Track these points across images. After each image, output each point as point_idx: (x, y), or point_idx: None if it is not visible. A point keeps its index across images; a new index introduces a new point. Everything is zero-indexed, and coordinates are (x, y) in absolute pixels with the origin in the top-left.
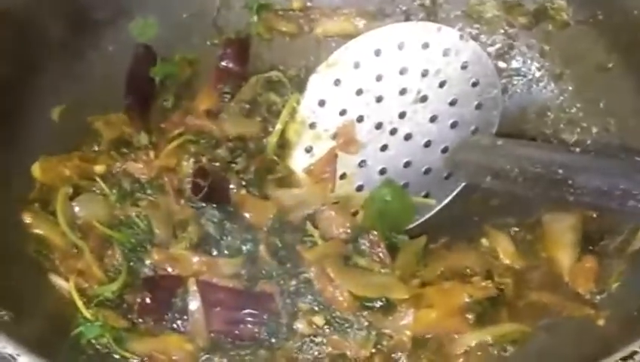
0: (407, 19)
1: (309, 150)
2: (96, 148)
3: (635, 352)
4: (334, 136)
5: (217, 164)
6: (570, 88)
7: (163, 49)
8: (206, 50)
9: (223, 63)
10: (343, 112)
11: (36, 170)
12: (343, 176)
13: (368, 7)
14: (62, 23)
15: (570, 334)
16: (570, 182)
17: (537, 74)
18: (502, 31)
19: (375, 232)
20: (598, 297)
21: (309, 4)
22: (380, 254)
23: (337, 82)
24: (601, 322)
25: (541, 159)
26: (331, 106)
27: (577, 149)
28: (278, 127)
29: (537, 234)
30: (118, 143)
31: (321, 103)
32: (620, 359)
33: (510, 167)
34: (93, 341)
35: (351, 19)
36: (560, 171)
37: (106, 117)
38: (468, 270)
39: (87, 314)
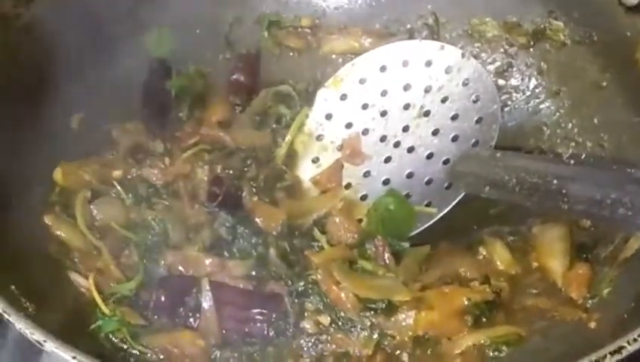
0: (411, 37)
1: (315, 161)
2: (114, 155)
3: (623, 347)
4: (340, 148)
5: (231, 172)
6: (566, 105)
7: (177, 62)
8: (218, 64)
9: (235, 77)
10: (348, 125)
11: (58, 174)
12: (348, 186)
13: (374, 26)
14: (82, 36)
15: (562, 336)
16: (564, 191)
17: (535, 91)
18: (502, 50)
19: (380, 238)
20: (590, 302)
21: (317, 21)
22: (386, 259)
23: (344, 97)
24: (592, 324)
25: (537, 170)
26: (338, 119)
27: (572, 161)
28: (288, 138)
29: (532, 243)
30: (134, 150)
31: (328, 117)
32: (609, 353)
33: (508, 177)
34: (111, 335)
35: (357, 37)
36: (555, 182)
37: (123, 125)
38: (467, 274)
39: (105, 309)
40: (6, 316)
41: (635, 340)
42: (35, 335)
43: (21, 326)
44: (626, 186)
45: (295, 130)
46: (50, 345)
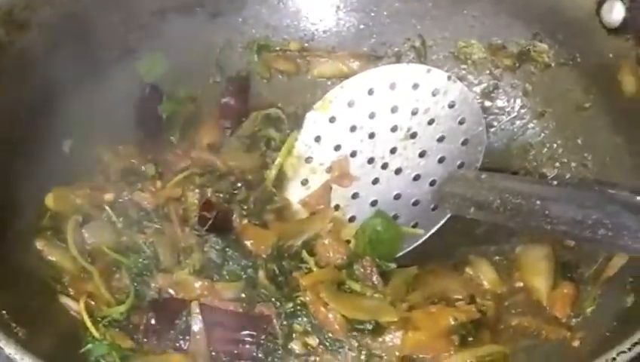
0: (399, 60)
1: (304, 183)
2: (104, 178)
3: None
4: (329, 170)
5: (221, 195)
6: (550, 126)
7: (168, 86)
8: (209, 88)
9: (225, 100)
10: (337, 147)
11: (49, 199)
12: (336, 208)
13: (361, 49)
14: (74, 62)
15: (547, 354)
16: (547, 212)
17: (520, 112)
18: (487, 71)
19: (368, 258)
20: (574, 320)
21: (306, 45)
22: (374, 279)
23: (332, 119)
24: (576, 343)
25: (521, 191)
26: (326, 142)
27: (555, 182)
28: (278, 161)
29: (516, 263)
30: (125, 173)
31: (317, 139)
32: None
33: (493, 198)
34: (101, 359)
35: (345, 60)
36: (538, 202)
37: (114, 148)
38: (453, 295)
39: (95, 333)
40: None
41: (613, 359)
42: (24, 360)
43: (11, 351)
44: (607, 207)
45: (285, 153)
46: None
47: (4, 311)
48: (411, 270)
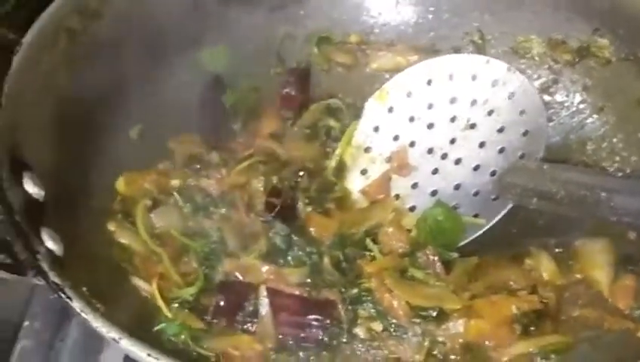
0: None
1: (364, 172)
2: (171, 165)
3: None
4: (388, 160)
5: (285, 182)
6: (610, 120)
7: (231, 77)
8: (270, 79)
9: (286, 90)
10: (396, 138)
11: (120, 184)
12: (397, 197)
13: (420, 43)
14: (141, 52)
15: (610, 345)
16: (612, 204)
17: (580, 107)
18: (546, 66)
19: (431, 248)
20: (637, 312)
21: (365, 38)
22: (436, 268)
23: (391, 109)
24: None
25: (585, 182)
26: (385, 132)
27: (619, 174)
28: (338, 151)
29: (576, 255)
30: (190, 161)
31: (376, 129)
32: None
33: (556, 189)
34: (173, 338)
35: (404, 53)
36: (602, 194)
37: (179, 137)
38: (514, 285)
39: (167, 313)
40: (84, 315)
41: None
42: (111, 333)
43: (98, 324)
44: None
45: (345, 143)
46: (126, 342)
47: (85, 288)
48: (472, 260)
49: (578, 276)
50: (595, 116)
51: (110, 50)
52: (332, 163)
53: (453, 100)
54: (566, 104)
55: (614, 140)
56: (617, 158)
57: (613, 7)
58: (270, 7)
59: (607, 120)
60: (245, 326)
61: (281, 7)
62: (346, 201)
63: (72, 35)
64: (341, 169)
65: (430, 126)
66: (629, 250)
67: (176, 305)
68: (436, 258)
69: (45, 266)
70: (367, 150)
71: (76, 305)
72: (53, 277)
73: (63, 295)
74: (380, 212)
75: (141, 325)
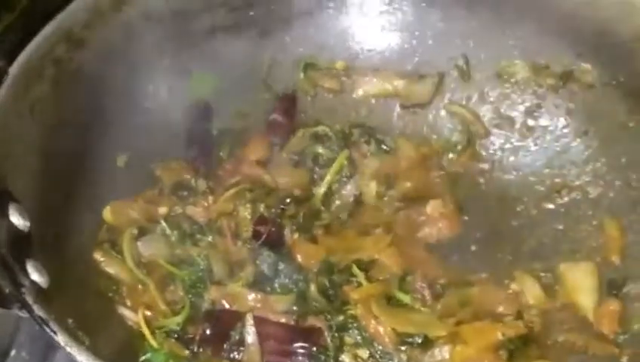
0: (442, 79)
1: None
2: (158, 192)
3: None
4: None
5: (272, 210)
6: (594, 144)
7: (218, 103)
8: (257, 104)
9: (273, 117)
10: None
11: (107, 213)
12: None
13: (405, 68)
14: (127, 79)
15: None
16: None
17: (564, 131)
18: (531, 91)
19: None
20: (621, 337)
21: (351, 64)
22: (425, 293)
23: None
24: (624, 360)
25: None
26: None
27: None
28: (327, 178)
29: (561, 280)
30: (177, 188)
31: None
32: None
33: None
34: None
35: (389, 79)
36: None
37: (167, 164)
38: (500, 310)
39: (153, 342)
40: (68, 348)
41: None
42: None
43: (82, 358)
44: None
45: (335, 172)
46: None
47: (70, 320)
48: (467, 291)
49: (563, 301)
50: (578, 140)
51: (96, 79)
52: (320, 190)
53: None
54: (550, 128)
55: (598, 164)
56: (601, 182)
57: (596, 33)
58: (257, 34)
59: (591, 144)
60: (232, 355)
61: (268, 34)
62: (334, 228)
63: (59, 64)
64: (329, 195)
65: None
66: (613, 275)
67: (163, 334)
68: (425, 284)
69: (30, 300)
70: None
71: (60, 338)
72: (38, 310)
73: (47, 328)
74: (372, 246)
75: (127, 355)
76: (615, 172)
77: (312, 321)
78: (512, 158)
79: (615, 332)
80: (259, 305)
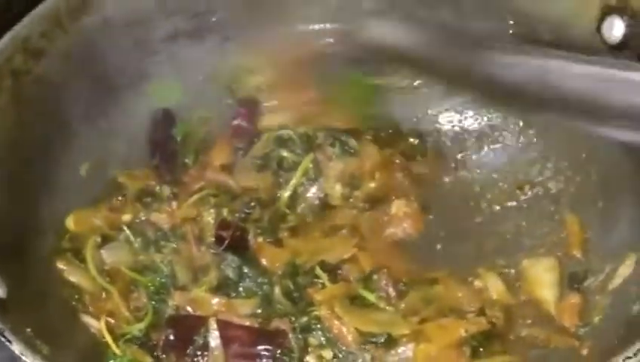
0: None
1: None
2: (121, 200)
3: None
4: None
5: (236, 214)
6: (555, 141)
7: (181, 109)
8: (221, 110)
9: (236, 122)
10: None
11: (70, 221)
12: None
13: None
14: (89, 88)
15: None
16: None
17: (525, 128)
18: None
19: (385, 270)
20: (582, 330)
21: None
22: (389, 292)
23: None
24: (584, 352)
25: None
26: None
27: None
28: (293, 182)
29: (523, 275)
30: (141, 195)
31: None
32: None
33: None
34: None
35: None
36: None
37: (130, 171)
38: (463, 307)
39: (116, 350)
40: (23, 358)
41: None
42: None
43: None
44: None
45: (300, 175)
46: None
47: (29, 329)
48: (432, 289)
49: (526, 296)
50: (539, 137)
51: (56, 89)
52: (286, 193)
53: None
54: (511, 126)
55: (559, 160)
56: (562, 178)
57: (555, 28)
58: (218, 40)
59: (552, 140)
60: (196, 360)
61: (229, 39)
62: (299, 230)
63: (17, 75)
64: (294, 198)
65: None
66: (575, 269)
67: (126, 341)
68: (390, 282)
69: None
70: None
71: (16, 348)
72: None
73: (2, 338)
74: (339, 246)
75: None
76: (575, 168)
77: (277, 324)
78: (474, 157)
79: (576, 325)
80: (223, 309)
